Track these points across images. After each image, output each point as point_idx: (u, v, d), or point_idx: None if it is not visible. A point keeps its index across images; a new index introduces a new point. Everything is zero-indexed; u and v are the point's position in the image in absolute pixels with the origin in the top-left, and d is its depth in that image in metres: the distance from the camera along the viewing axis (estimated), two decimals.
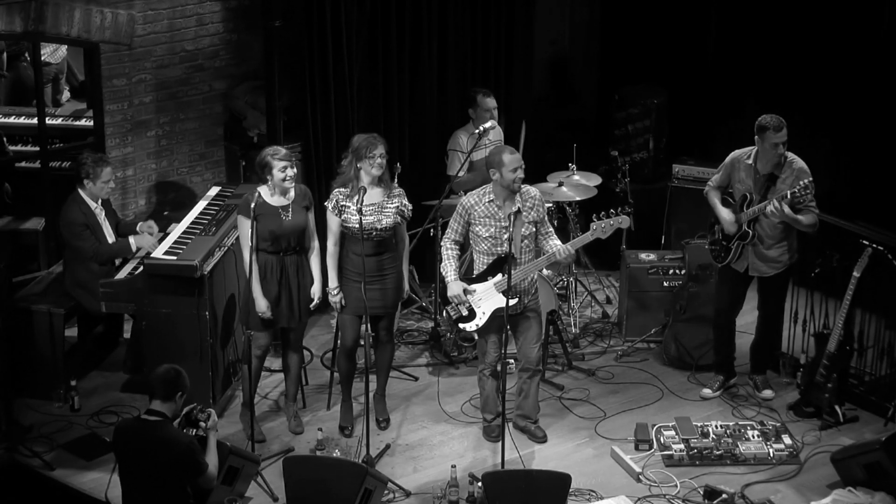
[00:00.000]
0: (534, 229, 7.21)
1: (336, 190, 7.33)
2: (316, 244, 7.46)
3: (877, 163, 8.89)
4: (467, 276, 7.33)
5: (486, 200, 7.19)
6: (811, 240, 7.82)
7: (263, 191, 7.27)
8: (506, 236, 7.11)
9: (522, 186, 7.19)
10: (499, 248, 7.19)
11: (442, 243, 7.37)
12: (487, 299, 7.21)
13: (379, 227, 7.26)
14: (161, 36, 8.82)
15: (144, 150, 9.01)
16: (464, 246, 7.47)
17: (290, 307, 7.36)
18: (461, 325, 7.34)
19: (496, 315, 7.22)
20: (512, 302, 7.16)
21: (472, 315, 7.27)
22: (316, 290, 7.44)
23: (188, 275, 7.41)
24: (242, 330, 7.43)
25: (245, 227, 7.22)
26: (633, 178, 9.21)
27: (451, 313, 7.33)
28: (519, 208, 7.14)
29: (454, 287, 7.25)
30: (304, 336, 8.57)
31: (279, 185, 7.23)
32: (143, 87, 8.87)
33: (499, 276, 7.19)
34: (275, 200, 7.27)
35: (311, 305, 7.47)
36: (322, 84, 8.71)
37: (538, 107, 10.09)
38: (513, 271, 7.06)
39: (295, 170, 7.28)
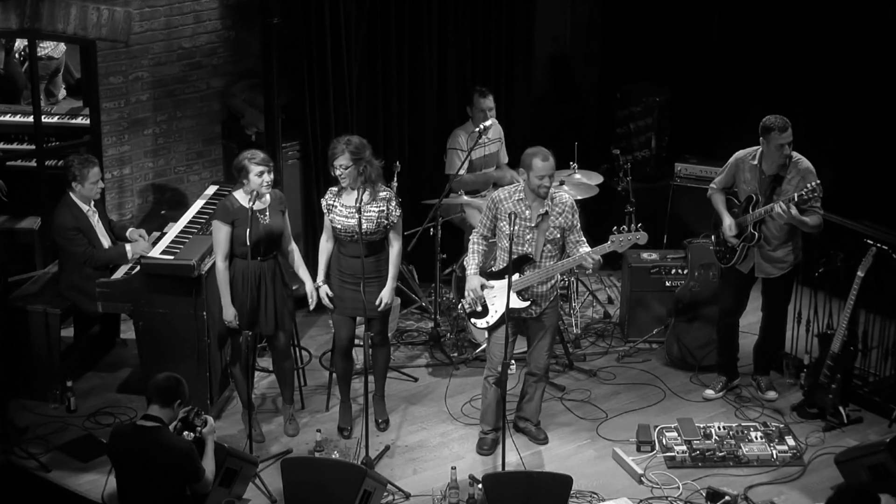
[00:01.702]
0: (559, 235, 7.13)
1: (329, 189, 7.26)
2: (294, 247, 7.41)
3: (881, 162, 8.87)
4: (487, 271, 7.28)
5: (516, 198, 7.12)
6: (815, 239, 7.79)
7: (239, 195, 7.19)
8: (529, 236, 7.05)
9: (556, 192, 7.13)
10: (520, 248, 7.12)
11: (471, 236, 7.32)
12: (502, 297, 7.14)
13: (360, 229, 7.15)
14: (158, 33, 8.77)
15: (141, 148, 8.96)
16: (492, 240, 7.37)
17: (268, 314, 7.27)
18: (473, 321, 7.29)
19: (509, 315, 7.14)
20: (524, 304, 7.12)
21: (485, 311, 7.22)
22: (310, 290, 7.38)
23: (185, 274, 7.36)
24: (231, 325, 7.31)
25: (220, 233, 7.13)
26: (634, 177, 9.15)
27: (466, 307, 7.28)
28: (547, 212, 7.07)
29: (472, 280, 7.20)
30: (303, 336, 8.55)
31: (256, 190, 7.13)
32: (139, 85, 8.81)
33: (516, 276, 7.13)
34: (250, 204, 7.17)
35: (311, 306, 7.40)
36: (321, 82, 8.66)
37: (539, 104, 10.04)
38: (530, 273, 7.01)
39: (272, 175, 7.18)
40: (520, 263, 7.12)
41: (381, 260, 7.31)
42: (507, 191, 7.20)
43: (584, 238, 7.20)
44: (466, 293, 7.23)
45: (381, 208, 7.20)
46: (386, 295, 7.29)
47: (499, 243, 7.24)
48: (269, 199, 7.23)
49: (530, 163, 7.03)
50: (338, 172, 7.13)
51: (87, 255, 7.74)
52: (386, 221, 7.22)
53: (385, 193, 7.25)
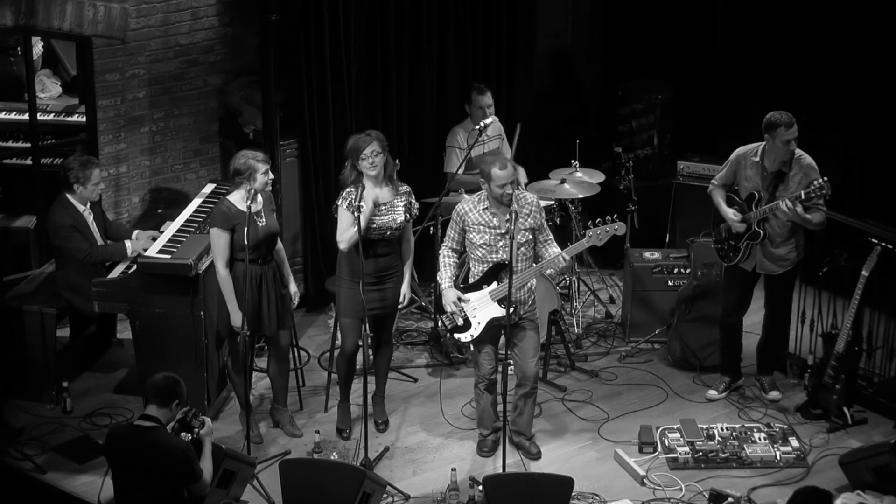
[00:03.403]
0: (530, 237, 7.06)
1: (348, 189, 7.12)
2: (280, 246, 7.38)
3: (886, 160, 8.83)
4: (462, 284, 7.19)
5: (481, 208, 7.05)
6: (819, 238, 7.74)
7: (235, 199, 7.11)
8: (500, 244, 6.98)
9: (519, 192, 7.06)
10: (493, 256, 7.05)
11: (440, 251, 7.24)
12: (482, 308, 7.08)
13: (394, 226, 7.14)
14: (155, 30, 8.73)
15: (138, 146, 8.92)
16: (462, 253, 7.31)
17: (270, 315, 7.23)
18: (456, 336, 7.20)
19: (492, 325, 7.09)
20: (503, 312, 7.01)
21: (467, 325, 7.13)
22: (293, 290, 7.38)
23: (182, 274, 7.30)
24: (240, 331, 7.26)
25: (221, 240, 7.06)
26: (636, 175, 9.09)
27: (447, 322, 7.19)
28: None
29: (448, 295, 7.11)
30: (301, 336, 8.50)
31: (258, 189, 7.06)
32: (136, 82, 8.78)
33: (494, 285, 7.06)
34: (245, 207, 7.04)
35: (293, 306, 7.42)
36: (319, 79, 8.61)
37: (540, 102, 10.01)
38: (508, 280, 6.94)
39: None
40: (496, 271, 7.04)
41: (397, 255, 7.31)
42: (470, 202, 7.11)
43: (552, 237, 7.15)
44: (445, 308, 7.14)
45: (406, 202, 7.19)
46: (405, 289, 7.30)
47: (471, 255, 7.16)
48: (261, 200, 7.16)
49: (489, 173, 6.94)
50: (369, 161, 7.02)
51: (86, 252, 7.68)
52: (408, 215, 7.22)
53: (405, 187, 7.24)
